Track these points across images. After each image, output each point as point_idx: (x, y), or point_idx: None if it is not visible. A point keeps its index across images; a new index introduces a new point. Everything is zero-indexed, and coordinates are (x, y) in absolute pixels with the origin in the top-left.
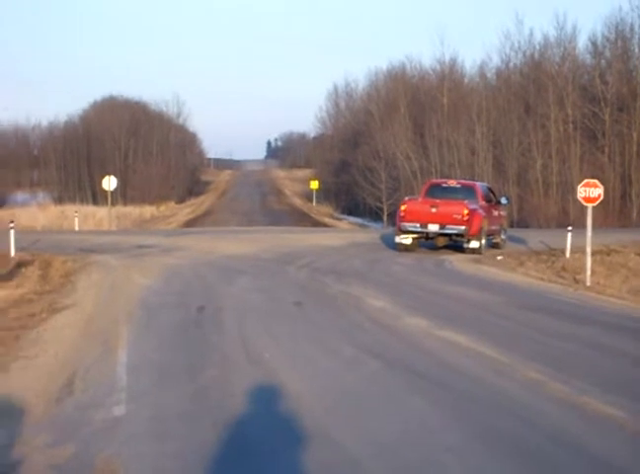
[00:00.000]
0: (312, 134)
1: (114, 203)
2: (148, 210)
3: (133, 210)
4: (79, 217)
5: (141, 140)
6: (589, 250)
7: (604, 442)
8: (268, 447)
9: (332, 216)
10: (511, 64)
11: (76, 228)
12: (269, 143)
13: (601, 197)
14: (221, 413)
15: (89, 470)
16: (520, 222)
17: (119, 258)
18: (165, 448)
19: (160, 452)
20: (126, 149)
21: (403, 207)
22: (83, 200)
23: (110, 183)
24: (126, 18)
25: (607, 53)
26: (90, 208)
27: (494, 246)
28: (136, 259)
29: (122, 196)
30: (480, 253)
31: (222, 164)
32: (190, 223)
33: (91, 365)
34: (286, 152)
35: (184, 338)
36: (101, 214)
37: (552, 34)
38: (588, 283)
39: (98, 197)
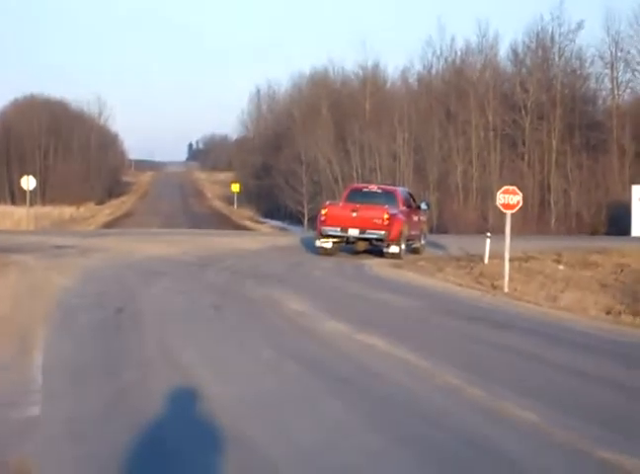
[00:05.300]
0: (234, 137)
1: (32, 203)
2: (68, 211)
3: (53, 211)
4: None
5: (62, 140)
6: (507, 256)
7: (521, 447)
8: (185, 450)
9: (253, 219)
10: (432, 70)
11: None
12: (190, 145)
13: (520, 205)
14: (139, 415)
15: (3, 470)
16: (440, 228)
17: (37, 258)
18: (80, 450)
19: (75, 454)
20: (46, 149)
21: (324, 211)
22: (1, 200)
23: (28, 182)
24: (49, 16)
25: (528, 62)
26: (8, 208)
27: (413, 251)
28: (55, 259)
29: (42, 196)
30: (400, 258)
31: (143, 165)
32: (110, 224)
33: (6, 366)
34: (208, 154)
35: (102, 339)
36: (19, 214)
37: (474, 41)
38: (506, 290)
39: (16, 196)
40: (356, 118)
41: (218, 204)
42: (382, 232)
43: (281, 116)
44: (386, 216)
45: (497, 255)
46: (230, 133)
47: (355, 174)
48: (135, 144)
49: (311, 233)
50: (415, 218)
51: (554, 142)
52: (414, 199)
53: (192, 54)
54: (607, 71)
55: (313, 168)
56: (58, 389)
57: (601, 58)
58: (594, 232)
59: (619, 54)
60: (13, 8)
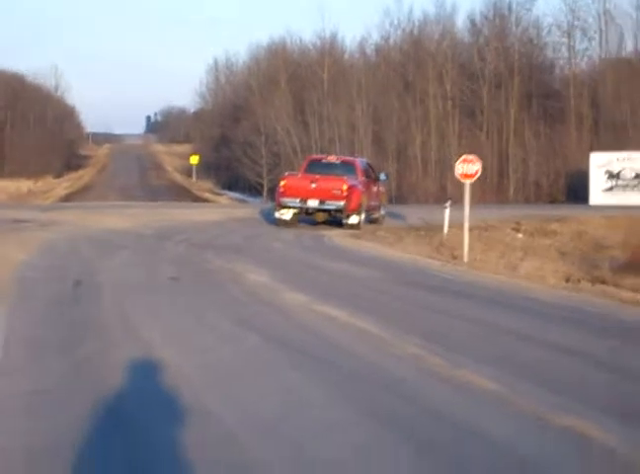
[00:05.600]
0: (192, 109)
1: None
2: (25, 185)
3: (10, 184)
4: None
5: (18, 113)
6: (466, 226)
7: (481, 415)
8: (144, 422)
9: (212, 192)
10: (390, 41)
11: None
12: (148, 118)
13: (479, 174)
14: (98, 388)
15: None
16: (400, 198)
17: None
18: (38, 425)
19: (33, 429)
20: (2, 122)
21: (282, 183)
22: None
23: None
24: None
25: (486, 31)
26: None
27: (373, 222)
28: (12, 233)
29: (0, 170)
30: (359, 228)
31: (101, 138)
32: (68, 198)
33: None
34: (166, 127)
35: (60, 313)
36: None
37: (432, 11)
38: (465, 259)
39: None
40: (314, 89)
41: (177, 177)
42: (341, 203)
43: (240, 87)
44: (345, 187)
45: (456, 224)
46: (188, 105)
47: (314, 145)
48: (93, 117)
49: (270, 204)
50: (374, 189)
51: (512, 111)
52: (373, 170)
53: (149, 26)
54: (564, 40)
55: (272, 139)
56: (15, 363)
57: (558, 27)
58: (552, 201)
59: (576, 23)
60: None
